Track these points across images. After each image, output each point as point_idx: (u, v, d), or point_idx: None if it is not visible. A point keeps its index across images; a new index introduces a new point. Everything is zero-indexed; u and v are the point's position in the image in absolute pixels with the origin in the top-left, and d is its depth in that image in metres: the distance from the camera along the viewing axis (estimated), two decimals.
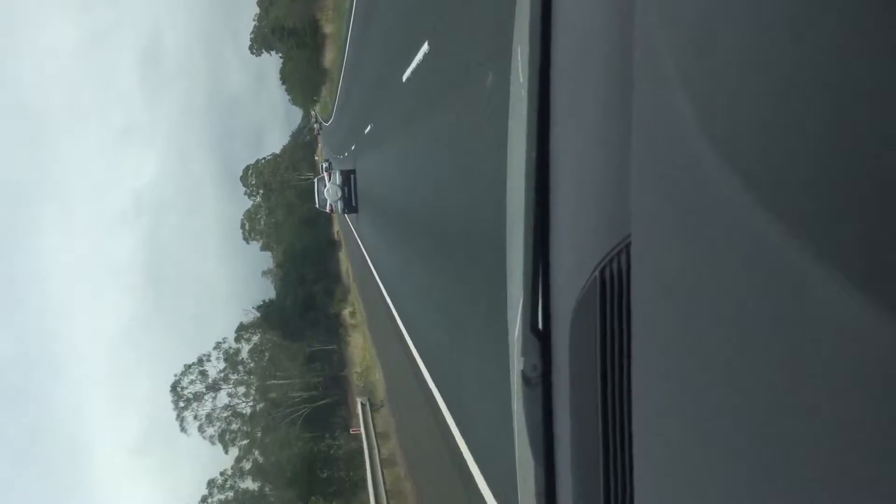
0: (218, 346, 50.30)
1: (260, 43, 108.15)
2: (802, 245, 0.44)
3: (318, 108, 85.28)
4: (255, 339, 51.06)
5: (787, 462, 0.47)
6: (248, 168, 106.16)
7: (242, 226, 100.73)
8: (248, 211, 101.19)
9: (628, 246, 0.75)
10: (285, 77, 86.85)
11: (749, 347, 0.50)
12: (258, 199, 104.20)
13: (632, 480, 0.77)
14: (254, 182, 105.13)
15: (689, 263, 0.58)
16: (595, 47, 0.85)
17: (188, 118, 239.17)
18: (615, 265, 0.77)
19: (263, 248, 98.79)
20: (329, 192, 25.01)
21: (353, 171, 24.97)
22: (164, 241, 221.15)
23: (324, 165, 39.49)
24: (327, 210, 26.80)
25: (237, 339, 50.78)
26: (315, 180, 29.13)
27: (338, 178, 25.06)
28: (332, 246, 65.11)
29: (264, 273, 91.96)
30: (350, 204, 25.21)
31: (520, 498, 1.16)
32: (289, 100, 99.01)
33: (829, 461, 0.43)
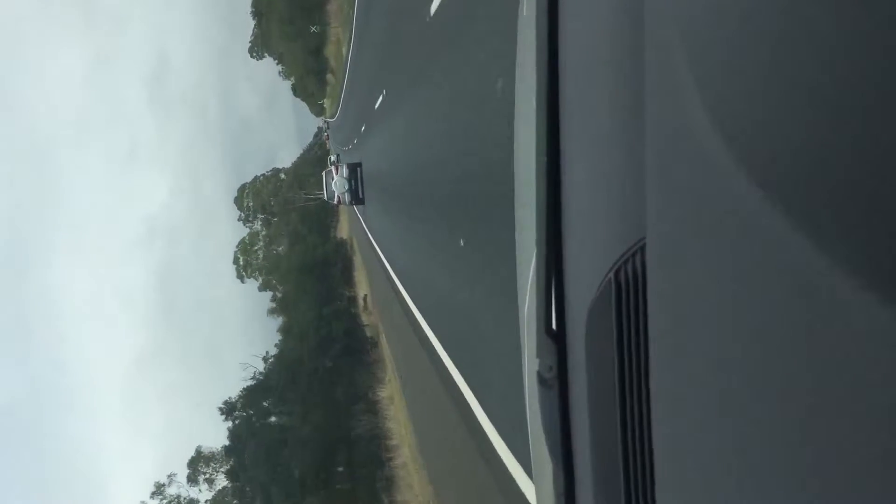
0: (159, 490, 28.96)
1: (261, 45, 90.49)
2: (817, 245, 0.44)
3: (326, 103, 65.54)
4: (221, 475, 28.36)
5: (806, 461, 0.47)
6: (243, 187, 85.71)
7: (236, 260, 79.74)
8: (243, 241, 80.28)
9: (643, 248, 0.75)
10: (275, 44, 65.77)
11: (764, 347, 0.50)
12: (257, 225, 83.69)
13: (652, 479, 0.78)
14: (251, 205, 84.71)
15: (704, 265, 0.58)
16: (605, 47, 0.85)
17: (198, 140, 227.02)
18: (630, 267, 0.78)
19: (262, 288, 77.89)
20: (337, 184, 26.09)
21: (360, 164, 25.68)
22: (177, 268, 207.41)
23: (331, 159, 38.73)
24: (335, 202, 28.15)
25: (192, 478, 29.33)
26: (323, 174, 29.55)
27: (345, 171, 25.98)
28: (356, 330, 32.76)
29: (270, 312, 70.09)
30: (357, 195, 25.99)
31: (537, 497, 1.16)
32: (280, 71, 79.48)
33: (846, 460, 0.43)
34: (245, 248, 79.43)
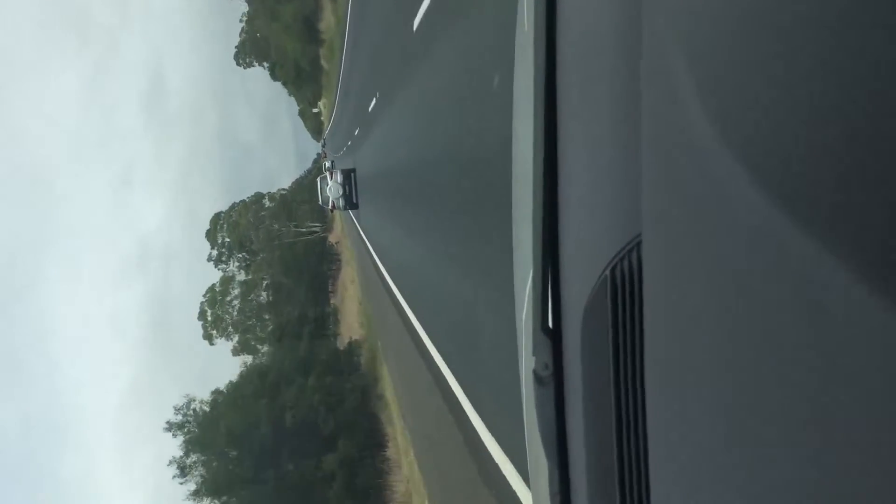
0: None
1: (248, 50, 72.98)
2: (815, 241, 0.44)
3: (321, 105, 47.87)
4: None
5: (802, 461, 0.47)
6: (217, 217, 66.72)
7: (202, 314, 60.39)
8: (213, 290, 61.03)
9: (639, 245, 0.76)
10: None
11: (761, 346, 0.50)
12: (232, 266, 64.63)
13: (647, 479, 0.78)
14: (227, 240, 65.74)
15: (700, 262, 0.58)
16: (602, 43, 0.85)
17: (195, 164, 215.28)
18: (626, 264, 0.78)
19: (236, 353, 58.63)
20: (331, 189, 25.93)
21: (354, 170, 25.74)
22: (170, 294, 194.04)
23: (326, 165, 40.12)
24: (329, 207, 27.92)
25: None
26: (317, 180, 30.39)
27: (339, 176, 25.86)
28: None
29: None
30: (351, 201, 26.02)
31: (533, 497, 1.17)
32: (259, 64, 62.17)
33: (844, 460, 0.43)
34: (214, 298, 60.00)
